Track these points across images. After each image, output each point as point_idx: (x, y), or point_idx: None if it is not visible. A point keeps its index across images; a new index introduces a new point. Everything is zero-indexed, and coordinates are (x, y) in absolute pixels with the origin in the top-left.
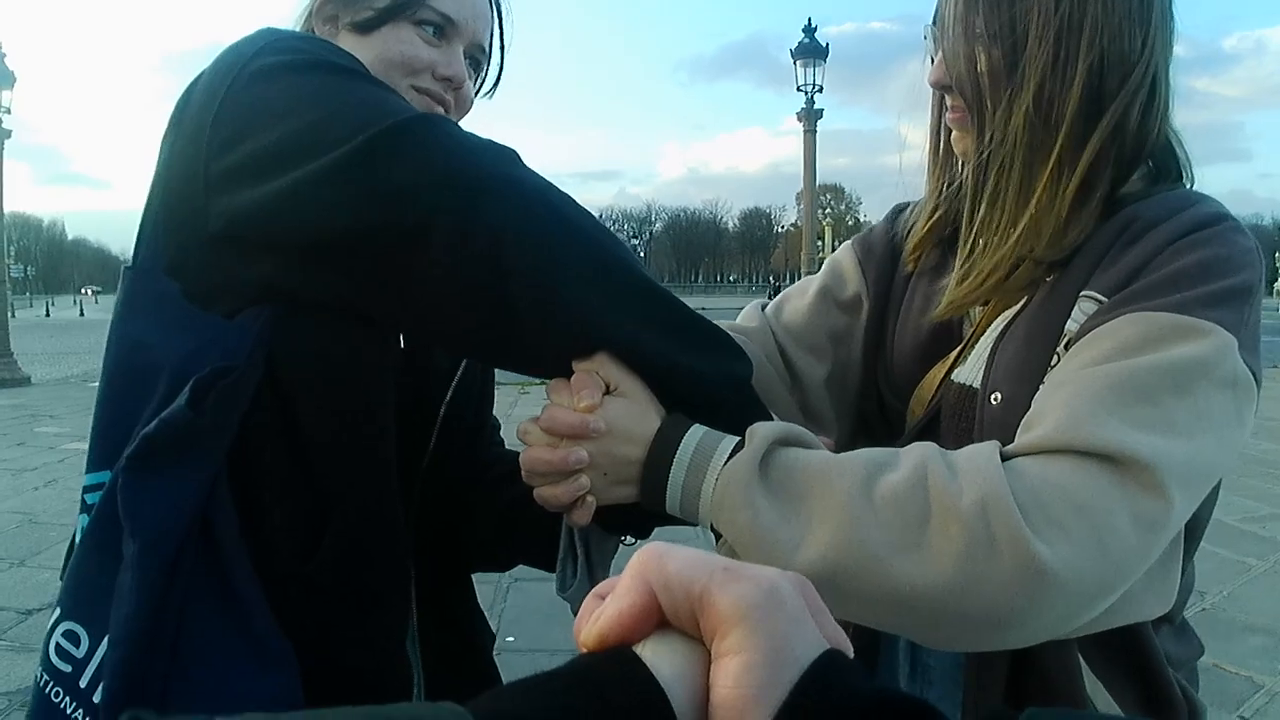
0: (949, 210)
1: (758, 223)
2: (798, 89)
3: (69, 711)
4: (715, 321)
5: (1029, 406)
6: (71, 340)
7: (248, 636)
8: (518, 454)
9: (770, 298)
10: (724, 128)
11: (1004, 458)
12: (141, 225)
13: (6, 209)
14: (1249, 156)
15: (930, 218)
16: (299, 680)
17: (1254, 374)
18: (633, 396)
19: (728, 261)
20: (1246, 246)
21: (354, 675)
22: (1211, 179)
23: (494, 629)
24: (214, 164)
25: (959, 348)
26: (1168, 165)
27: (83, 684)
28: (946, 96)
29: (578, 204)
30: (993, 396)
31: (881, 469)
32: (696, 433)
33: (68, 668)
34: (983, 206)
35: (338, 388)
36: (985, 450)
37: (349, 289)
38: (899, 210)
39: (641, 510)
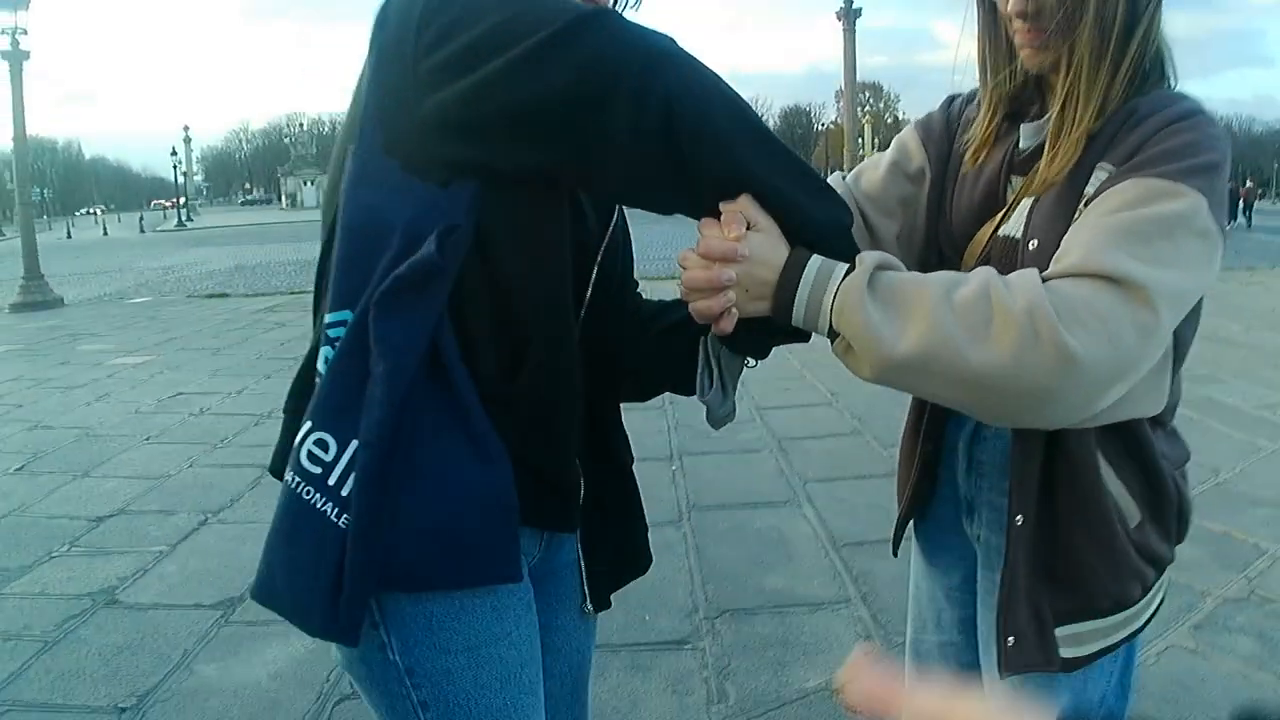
0: (1003, 117)
1: (798, 120)
2: None
3: (318, 505)
4: None
5: (1057, 248)
6: (98, 260)
7: (470, 438)
8: (659, 302)
9: None
10: (760, 26)
11: (1043, 280)
12: (355, 115)
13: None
14: (1272, 63)
15: (988, 125)
16: (510, 475)
17: (1220, 227)
18: (768, 232)
19: None
20: (1216, 134)
21: (538, 475)
22: (1235, 84)
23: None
24: (423, 62)
25: (1004, 210)
26: (1161, 69)
27: (331, 481)
28: (1019, 20)
29: (721, 77)
30: (1030, 243)
31: (957, 284)
32: (816, 261)
33: (317, 470)
34: (1061, 106)
35: (529, 245)
36: (1030, 273)
37: (547, 157)
38: (951, 99)
39: (764, 334)
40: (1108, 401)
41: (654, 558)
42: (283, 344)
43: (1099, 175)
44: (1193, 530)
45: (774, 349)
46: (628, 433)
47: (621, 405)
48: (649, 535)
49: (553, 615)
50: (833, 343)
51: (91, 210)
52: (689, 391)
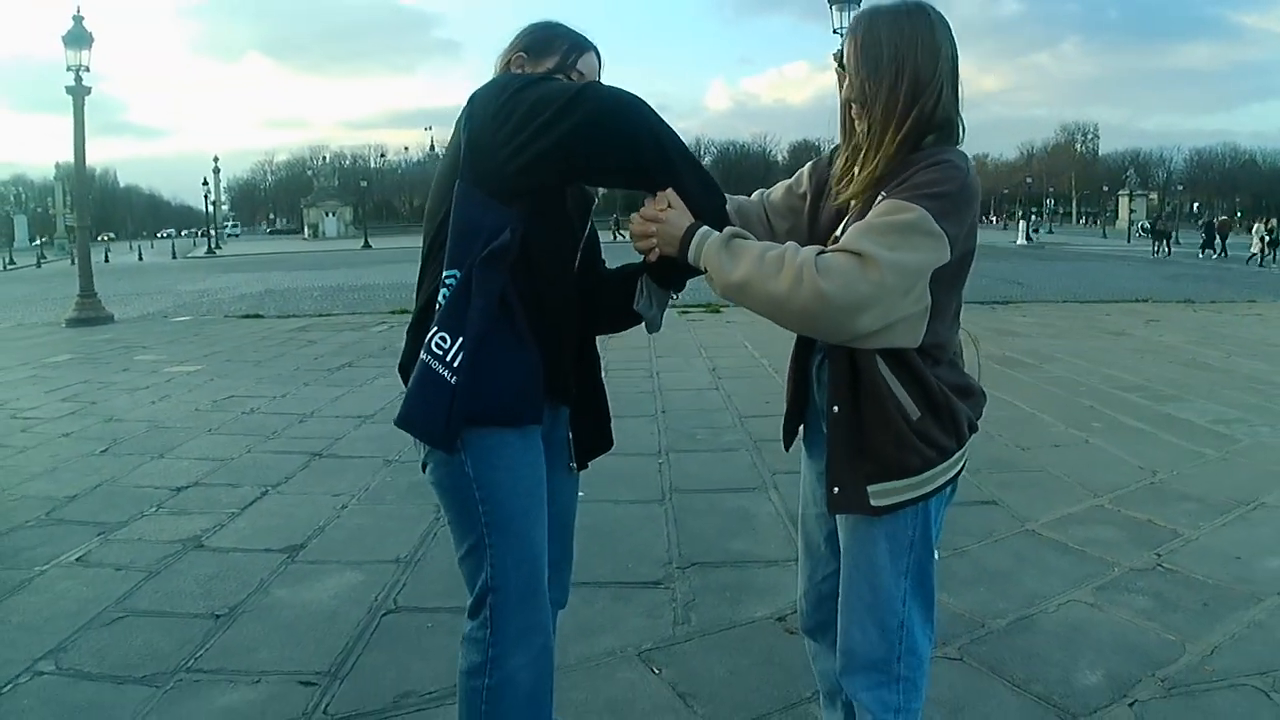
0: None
1: (806, 155)
2: (834, 31)
3: (440, 372)
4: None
5: None
6: (138, 283)
7: (518, 339)
8: (618, 269)
9: None
10: (771, 62)
11: (820, 252)
12: (451, 164)
13: (61, 159)
14: None
15: (843, 166)
16: (540, 360)
17: (944, 230)
18: (679, 208)
19: None
20: (951, 175)
21: (553, 366)
22: (1260, 117)
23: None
24: (499, 134)
25: (843, 222)
26: (951, 134)
27: (448, 359)
28: (852, 104)
29: (665, 121)
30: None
31: (772, 247)
32: (703, 228)
33: (440, 352)
34: (863, 154)
35: (551, 238)
36: (812, 247)
37: (569, 175)
38: (835, 149)
39: (679, 273)
40: (864, 326)
41: (639, 525)
42: (316, 359)
43: (879, 199)
44: (1115, 517)
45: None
46: (625, 433)
47: (610, 399)
48: (612, 426)
49: (550, 471)
50: (704, 275)
51: (104, 237)
52: (627, 321)
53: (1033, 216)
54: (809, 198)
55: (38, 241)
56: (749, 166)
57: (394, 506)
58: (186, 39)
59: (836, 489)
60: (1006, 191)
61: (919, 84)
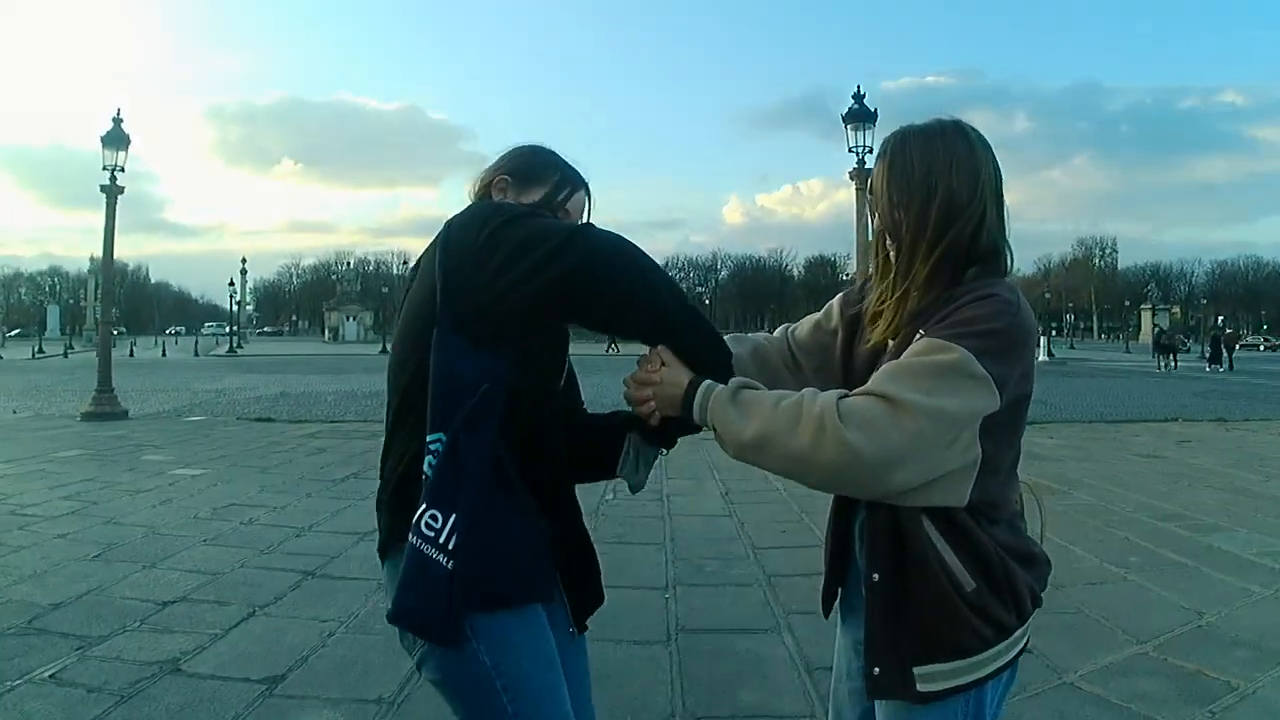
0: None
1: (822, 270)
2: (849, 150)
3: (433, 556)
4: (750, 335)
5: None
6: (158, 379)
7: (519, 507)
8: (601, 418)
9: None
10: (787, 178)
11: (843, 397)
12: (419, 306)
13: (95, 254)
14: None
15: (875, 302)
16: (545, 521)
17: (991, 373)
18: (674, 367)
19: (793, 308)
20: (1000, 310)
21: (556, 532)
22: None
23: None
24: (484, 272)
25: (886, 356)
26: (997, 264)
27: (441, 540)
28: (886, 234)
29: (660, 268)
30: None
31: (786, 396)
32: (707, 383)
33: (432, 534)
34: (894, 286)
35: (540, 385)
36: (833, 391)
37: (564, 320)
38: (867, 279)
39: (673, 431)
40: (899, 483)
41: (640, 671)
42: (322, 467)
43: (917, 337)
44: (1162, 667)
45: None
46: (631, 562)
47: (618, 524)
48: (620, 553)
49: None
50: (714, 433)
51: (175, 331)
52: (610, 473)
53: (1053, 332)
54: (840, 335)
55: (66, 332)
56: (764, 280)
57: (381, 638)
58: (225, 143)
59: (877, 670)
60: None
61: (954, 208)
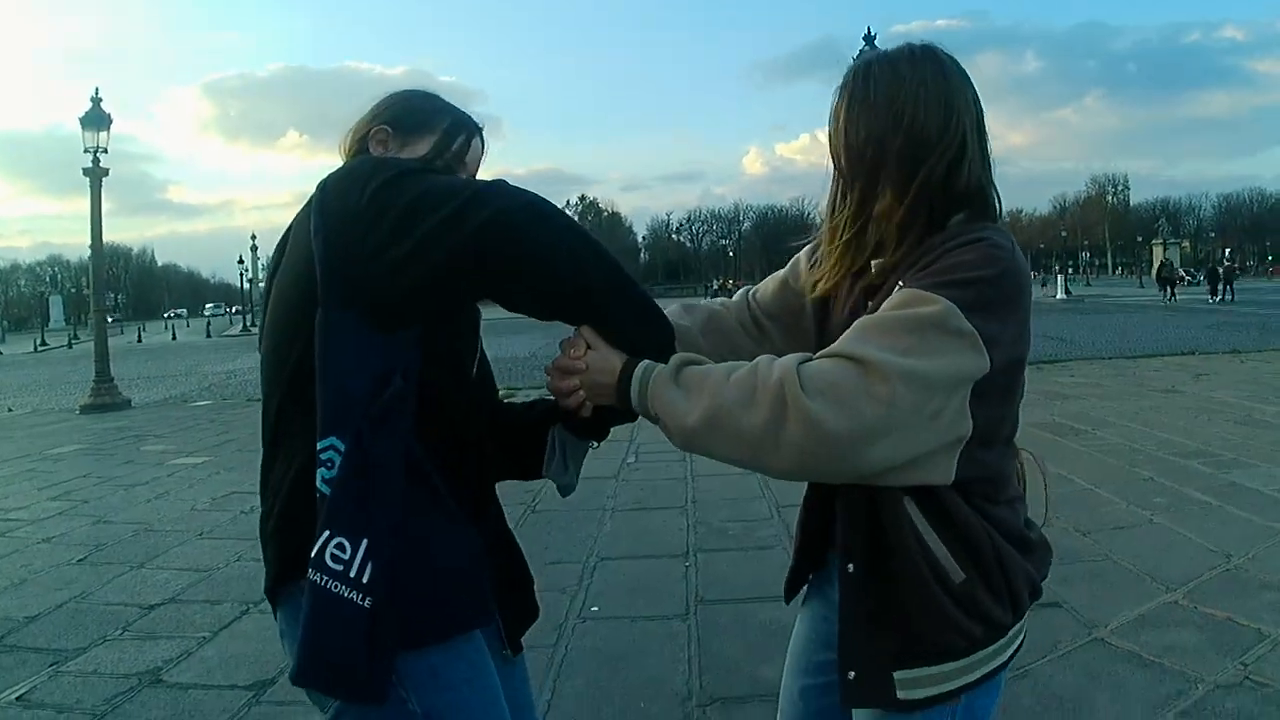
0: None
1: None
2: None
3: (345, 594)
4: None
5: None
6: (165, 364)
7: (446, 516)
8: (521, 410)
9: None
10: (805, 127)
11: (805, 362)
12: (299, 285)
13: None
14: None
15: (835, 263)
16: (476, 530)
17: (979, 329)
18: (603, 350)
19: None
20: (991, 256)
21: (488, 533)
22: None
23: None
24: (369, 241)
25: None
26: (985, 207)
27: (352, 574)
28: (843, 178)
29: (587, 231)
30: None
31: (737, 367)
32: (643, 364)
33: (339, 567)
34: (841, 234)
35: (453, 369)
36: (791, 356)
37: (472, 295)
38: None
39: (605, 421)
40: (875, 462)
41: (657, 648)
42: None
43: (896, 290)
44: (1193, 616)
45: None
46: (653, 529)
47: (639, 489)
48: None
49: None
50: (657, 422)
51: (177, 313)
52: (535, 473)
53: (1070, 270)
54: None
55: (71, 322)
56: (787, 230)
57: None
58: (225, 119)
59: (852, 674)
60: (1042, 246)
61: (923, 141)
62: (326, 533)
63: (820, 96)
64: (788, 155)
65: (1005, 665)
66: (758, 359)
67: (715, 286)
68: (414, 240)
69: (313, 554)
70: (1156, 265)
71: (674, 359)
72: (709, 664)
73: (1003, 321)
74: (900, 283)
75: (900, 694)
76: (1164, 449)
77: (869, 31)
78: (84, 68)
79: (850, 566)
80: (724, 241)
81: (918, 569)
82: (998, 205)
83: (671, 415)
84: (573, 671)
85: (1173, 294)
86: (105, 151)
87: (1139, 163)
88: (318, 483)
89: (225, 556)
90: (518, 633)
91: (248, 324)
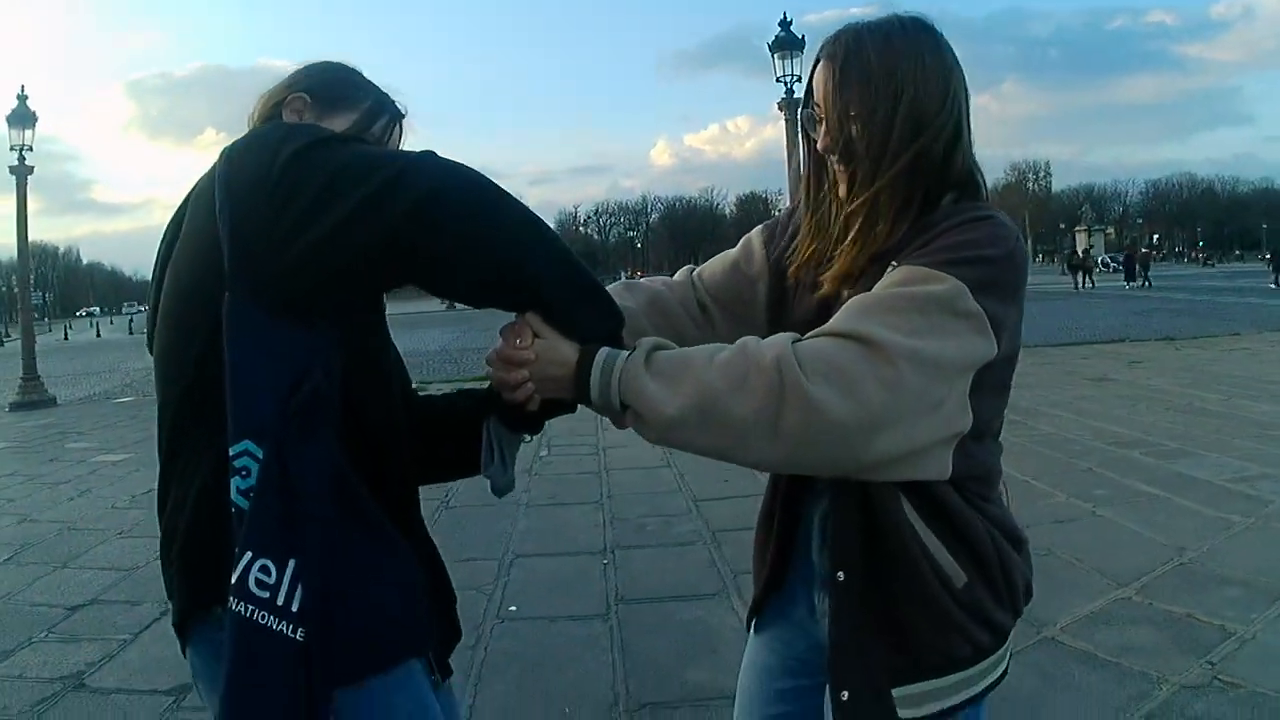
0: (823, 243)
1: (755, 207)
2: (777, 80)
3: (273, 626)
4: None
5: None
6: (91, 361)
7: (375, 535)
8: (439, 396)
9: None
10: (714, 117)
11: (798, 341)
12: (200, 267)
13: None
14: (1251, 120)
15: (809, 246)
16: (413, 554)
17: (987, 311)
18: (551, 339)
19: (726, 247)
20: (998, 234)
21: (419, 544)
22: (1212, 145)
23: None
24: (284, 218)
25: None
26: (976, 191)
27: (280, 601)
28: (833, 156)
29: (529, 208)
30: None
31: (720, 349)
32: (604, 352)
33: (265, 594)
34: (854, 221)
35: (373, 369)
36: (782, 335)
37: (399, 278)
38: (794, 209)
39: (541, 417)
40: (876, 454)
41: (579, 651)
42: None
43: (889, 270)
44: (1149, 613)
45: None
46: (568, 524)
47: (554, 483)
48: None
49: None
50: (624, 414)
51: (89, 312)
52: (470, 470)
53: None
54: (766, 282)
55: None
56: (696, 222)
57: None
58: (146, 118)
59: (845, 694)
60: None
61: (922, 116)
62: (248, 554)
63: (731, 86)
64: (696, 146)
65: (1003, 677)
66: (743, 339)
67: (624, 278)
68: (333, 220)
69: (233, 579)
70: (1066, 253)
71: (643, 344)
72: (634, 667)
73: (1008, 305)
74: (894, 263)
75: (902, 713)
76: (1101, 439)
77: (785, 17)
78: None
79: (841, 575)
80: (631, 233)
81: (918, 574)
82: (984, 187)
83: (648, 406)
84: (493, 676)
85: (1088, 281)
86: (31, 149)
87: (1061, 148)
88: (231, 494)
89: (145, 555)
90: (444, 655)
91: None
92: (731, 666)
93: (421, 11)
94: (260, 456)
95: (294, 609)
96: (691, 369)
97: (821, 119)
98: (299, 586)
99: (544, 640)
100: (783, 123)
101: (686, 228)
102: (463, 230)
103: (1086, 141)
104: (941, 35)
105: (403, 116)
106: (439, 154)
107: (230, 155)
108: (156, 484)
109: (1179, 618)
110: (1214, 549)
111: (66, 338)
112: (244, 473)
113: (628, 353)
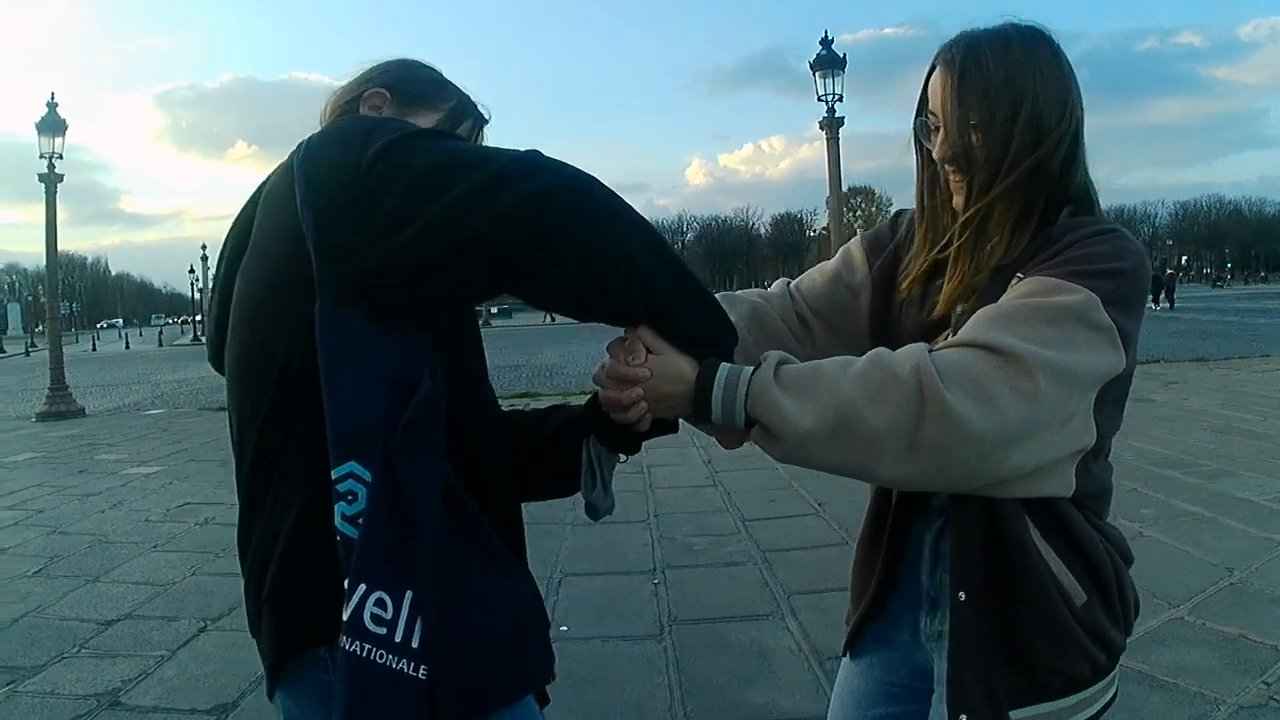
0: (936, 254)
1: (789, 228)
2: (818, 99)
3: (393, 665)
4: (739, 292)
5: None
6: (120, 372)
7: (489, 556)
8: (526, 413)
9: None
10: (748, 137)
11: (931, 352)
12: (281, 274)
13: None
14: (1278, 143)
15: (924, 259)
16: (527, 575)
17: (1117, 324)
18: (666, 354)
19: (761, 267)
20: (1126, 248)
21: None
22: (1238, 167)
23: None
24: (372, 221)
25: (949, 330)
26: (1089, 205)
27: (399, 638)
28: (948, 166)
29: (636, 211)
30: None
31: (851, 361)
32: (725, 367)
33: (383, 630)
34: (976, 233)
35: (468, 377)
36: (916, 345)
37: (491, 285)
38: (899, 214)
39: (644, 436)
40: (1011, 468)
41: (634, 672)
42: None
43: (1014, 283)
44: (1205, 634)
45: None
46: (615, 544)
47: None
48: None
49: None
50: (749, 431)
51: (112, 323)
52: (558, 492)
53: None
54: (870, 293)
55: (29, 330)
56: (732, 242)
57: None
58: (176, 129)
59: (964, 717)
60: None
61: (1042, 125)
62: (361, 587)
63: (765, 106)
64: (731, 165)
65: (1115, 697)
66: (877, 350)
67: None
68: (428, 218)
69: (346, 615)
70: None
71: (770, 357)
72: (691, 688)
73: (1135, 319)
74: (1019, 274)
75: None
76: (1144, 459)
77: (826, 35)
78: (36, 77)
79: (963, 595)
80: None
81: (1043, 592)
82: (1098, 202)
83: (780, 420)
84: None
85: None
86: (60, 157)
87: (1092, 171)
88: (336, 520)
89: (181, 570)
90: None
91: (197, 334)
92: (789, 689)
93: (455, 27)
94: (368, 479)
95: (414, 645)
96: (825, 381)
97: (938, 127)
98: (418, 619)
99: (598, 660)
100: (821, 142)
101: (722, 247)
102: (569, 236)
103: (1117, 164)
104: (1059, 45)
105: (486, 122)
106: (543, 152)
107: (310, 148)
108: (238, 511)
109: (1232, 638)
110: (1262, 569)
111: (94, 348)
112: (350, 497)
113: (752, 368)
